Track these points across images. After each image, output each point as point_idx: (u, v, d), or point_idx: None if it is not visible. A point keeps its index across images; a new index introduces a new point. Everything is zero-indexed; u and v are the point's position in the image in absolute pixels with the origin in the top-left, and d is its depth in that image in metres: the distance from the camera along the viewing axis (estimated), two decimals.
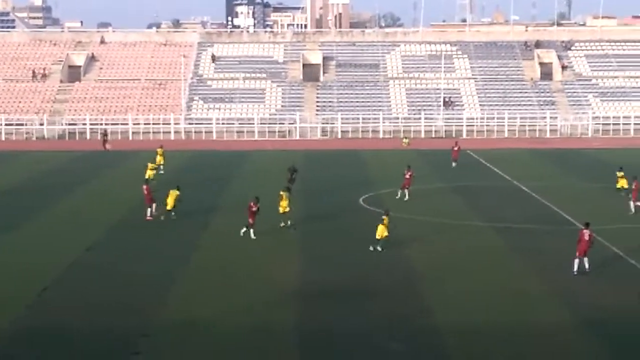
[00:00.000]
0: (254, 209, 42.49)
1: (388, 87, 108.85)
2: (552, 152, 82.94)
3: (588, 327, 29.19)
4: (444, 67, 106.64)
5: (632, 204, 49.38)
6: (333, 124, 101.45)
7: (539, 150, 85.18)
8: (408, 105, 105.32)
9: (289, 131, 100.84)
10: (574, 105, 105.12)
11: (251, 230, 42.34)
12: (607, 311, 30.68)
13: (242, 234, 42.50)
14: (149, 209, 47.88)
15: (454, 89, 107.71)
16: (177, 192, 47.81)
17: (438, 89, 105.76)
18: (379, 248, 39.47)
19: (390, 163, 74.28)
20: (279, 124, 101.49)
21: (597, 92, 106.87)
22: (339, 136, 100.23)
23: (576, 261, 35.57)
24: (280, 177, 58.62)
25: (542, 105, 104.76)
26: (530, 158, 78.69)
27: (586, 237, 35.72)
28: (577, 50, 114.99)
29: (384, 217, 40.19)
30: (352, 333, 28.57)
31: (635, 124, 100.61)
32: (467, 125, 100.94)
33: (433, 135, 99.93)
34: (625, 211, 48.96)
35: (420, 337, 28.44)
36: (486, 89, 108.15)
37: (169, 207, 47.39)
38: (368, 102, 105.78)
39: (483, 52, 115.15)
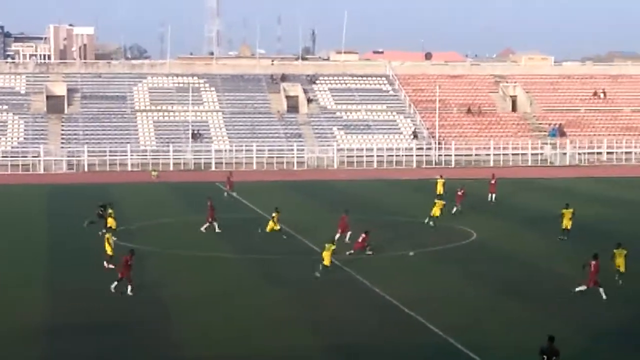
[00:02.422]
0: (130, 262, 37.47)
1: (135, 119, 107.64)
2: (300, 184, 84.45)
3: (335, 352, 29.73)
4: (192, 99, 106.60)
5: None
6: (79, 157, 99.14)
7: (287, 182, 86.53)
8: (156, 138, 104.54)
9: (32, 165, 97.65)
10: (319, 137, 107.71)
11: (129, 287, 37.12)
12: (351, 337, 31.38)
13: (112, 289, 37.46)
14: None
15: (202, 122, 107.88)
16: None
17: (186, 122, 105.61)
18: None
19: (140, 196, 73.62)
20: (22, 157, 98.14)
21: (341, 125, 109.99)
22: (86, 169, 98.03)
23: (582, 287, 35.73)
24: (24, 214, 56.54)
25: (289, 137, 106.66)
26: (278, 190, 79.73)
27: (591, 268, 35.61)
28: (322, 83, 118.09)
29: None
30: None
31: (377, 155, 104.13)
32: (216, 158, 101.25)
33: (182, 168, 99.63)
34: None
35: None
36: (234, 121, 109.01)
37: None
38: (115, 134, 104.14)
39: (230, 85, 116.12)
